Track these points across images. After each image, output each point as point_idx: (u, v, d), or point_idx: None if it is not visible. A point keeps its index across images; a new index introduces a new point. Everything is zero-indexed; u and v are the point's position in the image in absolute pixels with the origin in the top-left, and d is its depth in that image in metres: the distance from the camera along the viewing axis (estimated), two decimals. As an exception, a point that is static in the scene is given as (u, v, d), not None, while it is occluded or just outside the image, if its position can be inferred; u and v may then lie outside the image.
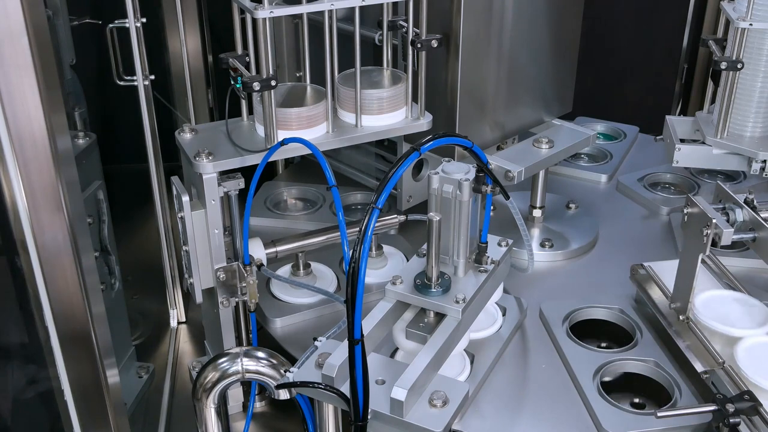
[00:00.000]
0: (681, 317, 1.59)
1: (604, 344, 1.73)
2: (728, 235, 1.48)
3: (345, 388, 1.28)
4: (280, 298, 1.82)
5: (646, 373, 1.59)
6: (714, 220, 1.49)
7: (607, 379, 1.58)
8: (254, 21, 1.51)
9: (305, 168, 2.42)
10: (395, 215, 1.83)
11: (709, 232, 1.49)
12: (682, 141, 2.01)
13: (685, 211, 1.57)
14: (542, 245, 1.99)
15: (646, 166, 2.38)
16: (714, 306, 1.60)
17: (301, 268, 1.84)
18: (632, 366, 1.60)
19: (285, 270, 1.87)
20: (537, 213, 2.08)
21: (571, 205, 2.16)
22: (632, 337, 1.67)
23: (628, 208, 2.22)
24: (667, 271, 1.72)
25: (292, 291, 1.83)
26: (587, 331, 1.72)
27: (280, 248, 1.72)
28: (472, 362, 1.58)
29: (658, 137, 2.31)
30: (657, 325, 1.67)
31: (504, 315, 1.72)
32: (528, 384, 1.58)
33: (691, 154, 1.97)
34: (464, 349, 1.58)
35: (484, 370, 1.57)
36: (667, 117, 2.08)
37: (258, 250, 1.67)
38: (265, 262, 1.66)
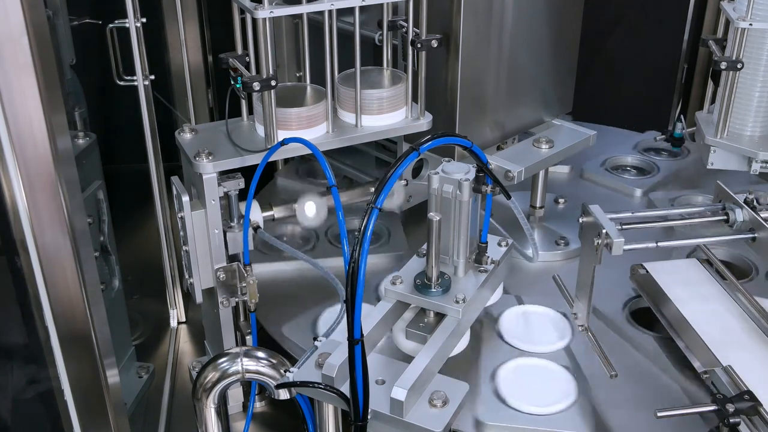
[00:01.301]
0: (580, 328, 1.61)
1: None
2: (619, 246, 1.45)
3: (345, 388, 1.28)
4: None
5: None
6: (605, 230, 1.46)
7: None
8: (254, 21, 1.51)
9: (305, 165, 2.42)
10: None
11: (599, 242, 1.47)
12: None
13: (580, 220, 1.56)
14: (557, 243, 2.00)
15: (689, 186, 2.33)
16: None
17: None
18: None
19: None
20: (537, 213, 2.08)
21: (559, 200, 2.17)
22: None
23: (602, 196, 2.24)
24: (667, 271, 1.72)
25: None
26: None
27: (277, 211, 1.70)
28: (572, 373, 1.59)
29: (658, 137, 2.31)
30: (657, 325, 1.67)
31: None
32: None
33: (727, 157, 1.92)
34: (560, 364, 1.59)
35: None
36: (698, 113, 2.03)
37: (255, 213, 1.65)
38: (262, 225, 1.65)
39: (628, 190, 2.29)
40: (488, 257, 1.55)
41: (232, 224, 1.61)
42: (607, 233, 1.46)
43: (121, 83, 2.10)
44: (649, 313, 1.71)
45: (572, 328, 1.68)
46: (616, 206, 2.18)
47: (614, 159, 2.42)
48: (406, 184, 1.88)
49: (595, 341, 1.59)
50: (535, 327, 1.70)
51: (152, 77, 2.04)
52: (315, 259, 1.60)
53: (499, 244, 1.61)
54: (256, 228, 1.62)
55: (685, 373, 1.56)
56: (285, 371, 1.36)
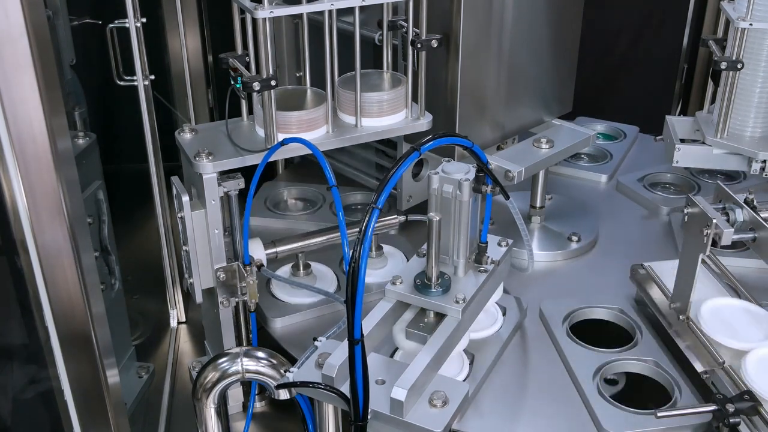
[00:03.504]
0: (681, 317, 1.59)
1: (603, 344, 1.73)
2: (728, 236, 1.48)
3: (345, 388, 1.28)
4: (280, 298, 1.82)
5: (646, 373, 1.59)
6: (714, 221, 1.48)
7: (608, 378, 1.58)
8: (254, 21, 1.51)
9: (305, 168, 2.42)
10: (395, 215, 1.83)
11: (709, 232, 1.49)
12: (683, 141, 2.01)
13: (686, 211, 1.57)
14: (569, 239, 2.00)
15: (646, 166, 2.38)
16: (721, 315, 1.59)
17: (301, 268, 1.84)
18: (632, 366, 1.60)
19: (285, 270, 1.87)
20: (537, 213, 2.08)
21: (545, 197, 2.16)
22: (632, 337, 1.67)
23: (628, 208, 2.22)
24: (667, 271, 1.72)
25: (292, 291, 1.83)
26: (587, 331, 1.72)
27: (280, 249, 1.72)
28: (471, 362, 1.58)
29: (658, 137, 2.30)
30: (657, 325, 1.67)
31: (504, 315, 1.72)
32: (528, 384, 1.58)
33: (691, 154, 1.97)
34: (464, 350, 1.58)
35: (484, 370, 1.57)
36: (667, 117, 2.08)
37: (258, 251, 1.66)
38: (265, 263, 1.66)
39: (592, 177, 2.35)
40: (488, 257, 1.55)
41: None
42: (717, 224, 1.47)
43: (121, 83, 2.10)
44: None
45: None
46: (587, 195, 2.28)
47: (654, 176, 2.38)
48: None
49: (698, 329, 1.57)
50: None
51: (152, 77, 2.04)
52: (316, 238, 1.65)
53: (499, 244, 1.61)
54: (260, 266, 1.63)
55: (685, 373, 1.56)
56: (285, 371, 1.36)
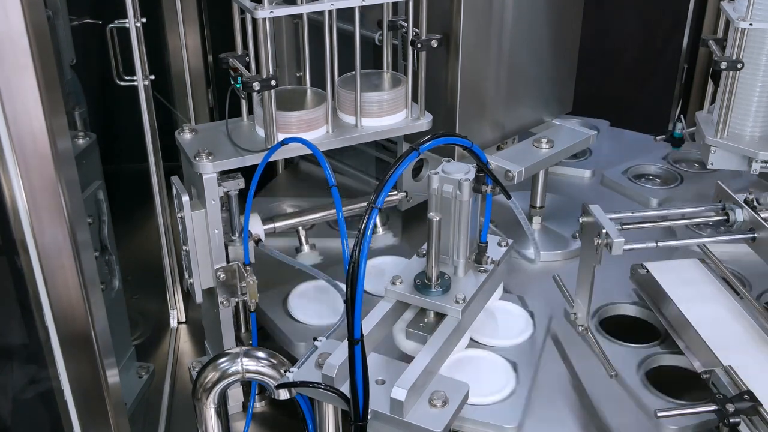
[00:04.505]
0: (580, 328, 1.59)
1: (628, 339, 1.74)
2: (619, 246, 1.44)
3: (345, 388, 1.28)
4: (302, 320, 1.77)
5: (683, 365, 1.59)
6: (605, 230, 1.46)
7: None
8: (254, 21, 1.51)
9: (303, 173, 2.42)
10: (396, 191, 1.85)
11: (599, 242, 1.47)
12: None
13: (581, 220, 1.55)
14: (574, 237, 2.00)
15: (625, 160, 2.39)
16: None
17: (304, 243, 1.79)
18: (670, 359, 1.61)
19: (302, 288, 1.86)
20: (537, 213, 2.08)
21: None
22: (659, 333, 1.68)
23: (619, 202, 2.23)
24: (667, 271, 1.72)
25: (311, 313, 1.78)
26: (609, 329, 1.73)
27: (278, 224, 1.70)
28: (515, 369, 1.58)
29: (658, 137, 2.31)
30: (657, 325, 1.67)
31: (533, 318, 1.73)
32: (573, 383, 1.59)
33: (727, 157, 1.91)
34: (505, 357, 1.59)
35: (531, 375, 1.57)
36: (698, 113, 2.03)
37: (256, 226, 1.66)
38: (263, 238, 1.65)
39: (576, 173, 2.37)
40: (488, 257, 1.55)
41: (233, 238, 1.62)
42: (607, 233, 1.45)
43: (121, 83, 2.10)
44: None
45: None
46: (575, 192, 2.27)
47: (636, 168, 2.40)
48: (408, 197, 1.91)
49: (596, 341, 1.59)
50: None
51: (152, 77, 2.04)
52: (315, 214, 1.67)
53: (499, 244, 1.61)
54: (258, 241, 1.63)
55: (685, 372, 1.56)
56: (285, 371, 1.36)
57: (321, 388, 1.29)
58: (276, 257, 1.61)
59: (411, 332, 1.46)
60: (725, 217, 1.57)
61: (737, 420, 1.31)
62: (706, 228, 1.96)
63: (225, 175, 1.59)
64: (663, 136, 2.35)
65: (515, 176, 1.82)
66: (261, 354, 1.44)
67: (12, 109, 0.90)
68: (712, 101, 1.99)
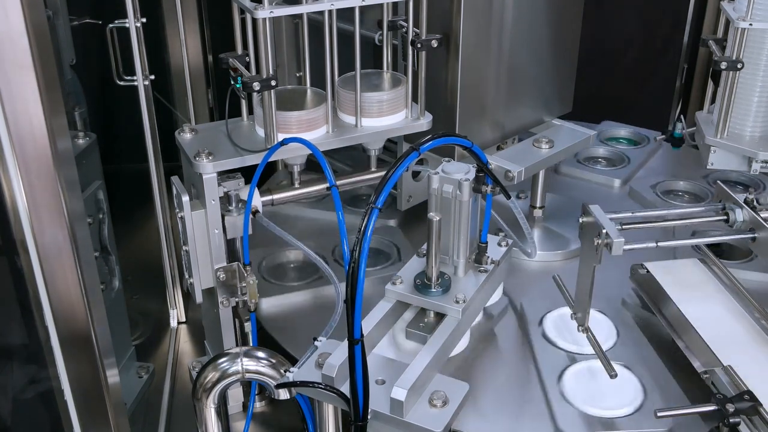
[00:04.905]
0: (580, 328, 1.60)
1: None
2: (619, 246, 1.43)
3: (345, 388, 1.28)
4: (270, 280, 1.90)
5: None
6: (605, 230, 1.45)
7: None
8: (254, 21, 1.51)
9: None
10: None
11: (599, 242, 1.46)
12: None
13: (581, 220, 1.54)
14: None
15: (664, 174, 2.35)
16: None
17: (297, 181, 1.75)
18: None
19: None
20: (537, 213, 2.08)
21: (521, 195, 2.14)
22: None
23: (584, 189, 2.24)
24: (667, 271, 1.72)
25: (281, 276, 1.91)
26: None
27: (276, 196, 1.69)
28: None
29: (659, 137, 2.31)
30: (657, 325, 1.67)
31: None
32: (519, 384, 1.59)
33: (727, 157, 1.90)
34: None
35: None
36: (698, 113, 2.01)
37: (254, 197, 1.65)
38: (260, 209, 1.64)
39: (606, 181, 2.33)
40: (488, 257, 1.55)
41: (230, 208, 1.61)
42: (607, 233, 1.45)
43: (121, 83, 2.10)
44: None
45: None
46: (596, 199, 2.22)
47: (585, 151, 2.41)
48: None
49: (596, 342, 1.59)
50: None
51: (152, 77, 2.04)
52: (313, 187, 1.69)
53: (499, 244, 1.61)
54: (255, 212, 1.61)
55: (685, 372, 1.56)
56: (285, 371, 1.36)
57: (321, 388, 1.29)
58: (270, 229, 1.58)
59: (411, 332, 1.46)
60: (725, 217, 1.57)
61: (737, 420, 1.31)
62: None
63: (225, 175, 1.59)
64: (663, 136, 2.35)
65: (515, 176, 1.82)
66: (261, 354, 1.44)
67: (12, 109, 0.90)
68: (712, 101, 1.99)
